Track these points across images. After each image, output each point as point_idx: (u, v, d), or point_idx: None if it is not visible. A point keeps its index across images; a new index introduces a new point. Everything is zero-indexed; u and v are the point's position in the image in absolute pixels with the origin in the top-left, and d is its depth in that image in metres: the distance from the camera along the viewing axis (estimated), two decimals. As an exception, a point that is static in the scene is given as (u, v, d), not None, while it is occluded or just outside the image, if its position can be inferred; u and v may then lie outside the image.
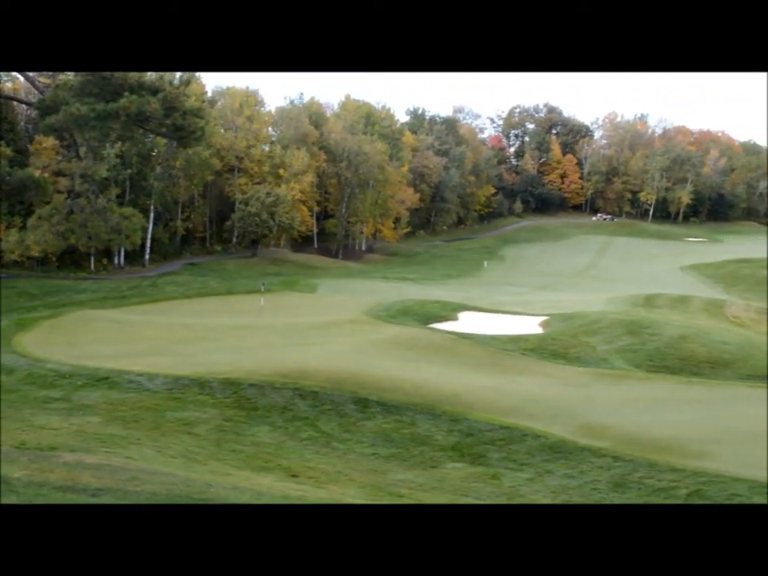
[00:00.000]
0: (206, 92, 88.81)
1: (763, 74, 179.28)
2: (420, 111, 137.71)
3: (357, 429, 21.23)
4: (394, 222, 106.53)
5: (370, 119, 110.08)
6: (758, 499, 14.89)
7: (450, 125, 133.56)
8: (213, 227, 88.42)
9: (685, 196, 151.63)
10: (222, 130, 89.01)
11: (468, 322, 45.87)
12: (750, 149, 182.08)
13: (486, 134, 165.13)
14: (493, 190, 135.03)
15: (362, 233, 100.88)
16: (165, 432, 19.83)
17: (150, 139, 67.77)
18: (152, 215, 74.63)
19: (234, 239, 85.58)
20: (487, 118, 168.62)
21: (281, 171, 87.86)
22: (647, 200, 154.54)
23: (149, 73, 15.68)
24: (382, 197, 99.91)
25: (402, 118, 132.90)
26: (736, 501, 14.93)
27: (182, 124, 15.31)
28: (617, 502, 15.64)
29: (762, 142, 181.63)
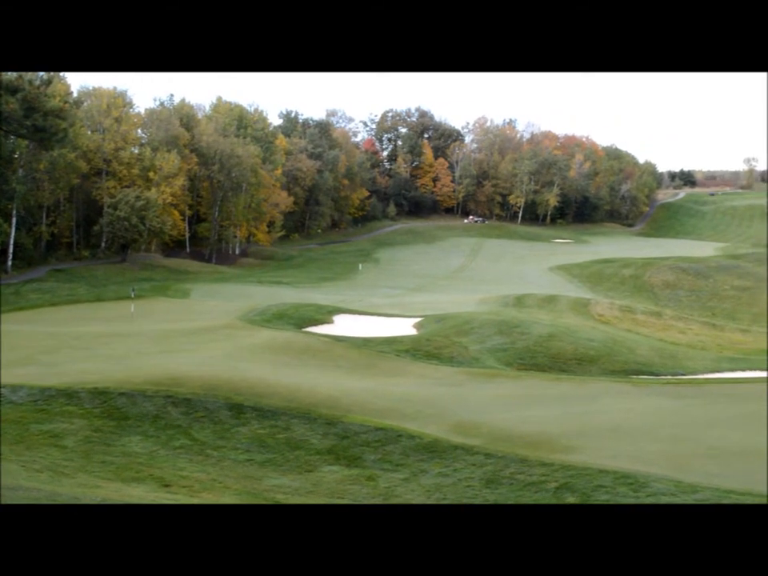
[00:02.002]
0: (71, 92, 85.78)
1: (621, 82, 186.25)
2: (293, 114, 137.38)
3: (231, 435, 20.96)
4: (268, 226, 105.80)
5: (242, 122, 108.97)
6: (622, 489, 15.42)
7: (324, 128, 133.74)
8: (80, 232, 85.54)
9: (552, 199, 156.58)
10: (89, 132, 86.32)
11: (343, 325, 46.03)
12: (613, 153, 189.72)
13: (359, 138, 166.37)
14: (366, 194, 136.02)
15: (235, 237, 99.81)
16: (30, 446, 19.06)
17: (12, 141, 65.22)
18: (14, 220, 71.72)
19: (103, 244, 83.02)
20: (360, 121, 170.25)
21: (151, 174, 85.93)
22: (516, 203, 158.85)
23: (8, 72, 15.10)
24: (256, 200, 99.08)
25: (275, 120, 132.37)
26: (602, 491, 15.44)
27: (43, 125, 14.90)
28: (489, 498, 15.96)
29: (623, 147, 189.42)
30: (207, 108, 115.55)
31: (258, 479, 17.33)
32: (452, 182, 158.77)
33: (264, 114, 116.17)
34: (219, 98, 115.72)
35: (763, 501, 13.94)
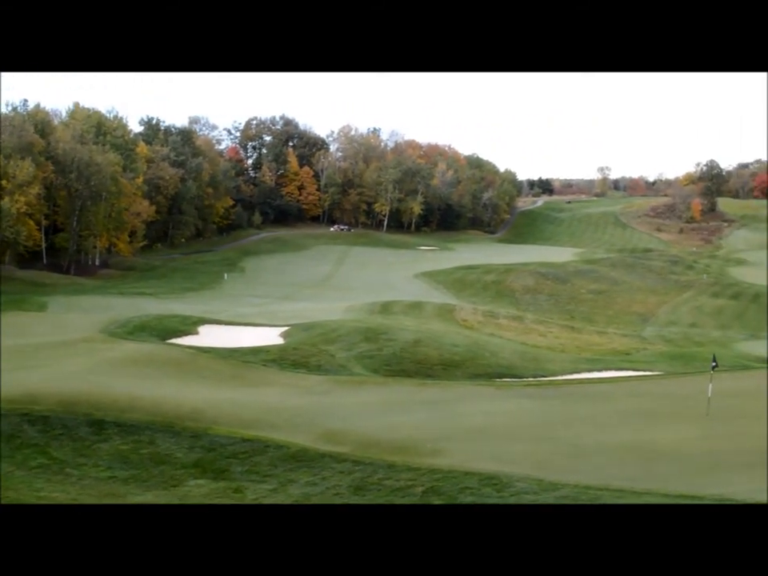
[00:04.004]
0: None
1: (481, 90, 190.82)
2: (154, 121, 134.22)
3: (92, 452, 20.28)
4: (129, 236, 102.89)
5: (101, 129, 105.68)
6: (487, 490, 15.73)
7: (186, 136, 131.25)
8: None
9: (416, 206, 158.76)
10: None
11: (209, 336, 45.33)
12: (474, 162, 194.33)
13: (223, 146, 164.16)
14: (231, 202, 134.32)
15: (95, 247, 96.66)
16: None
17: None
18: None
19: (-48, 256, 79.08)
20: (224, 129, 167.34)
21: (4, 182, 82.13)
22: (381, 211, 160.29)
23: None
24: (116, 209, 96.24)
25: (136, 127, 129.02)
26: (467, 493, 15.72)
27: None
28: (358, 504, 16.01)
29: (484, 156, 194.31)
30: (64, 114, 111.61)
31: (121, 496, 16.81)
32: (317, 190, 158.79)
33: (124, 120, 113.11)
34: (76, 104, 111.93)
35: (621, 496, 14.51)
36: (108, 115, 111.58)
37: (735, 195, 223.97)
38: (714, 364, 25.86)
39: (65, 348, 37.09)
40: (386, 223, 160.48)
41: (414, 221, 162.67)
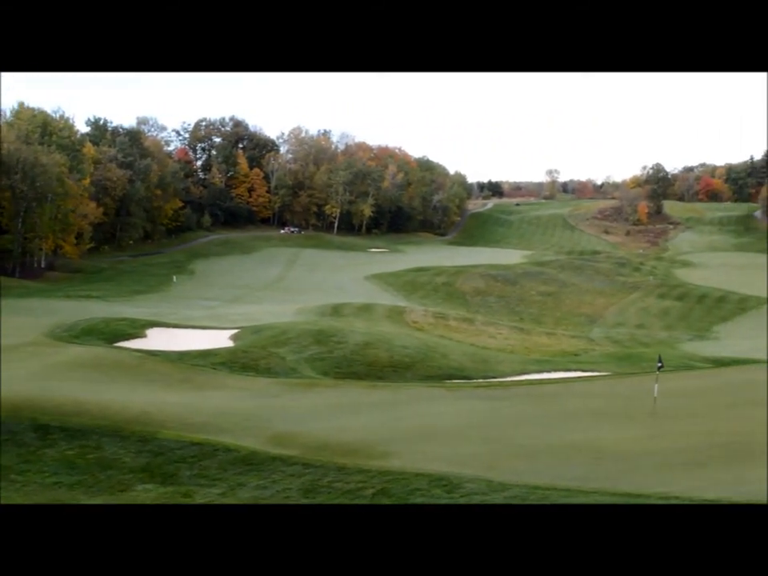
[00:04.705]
0: None
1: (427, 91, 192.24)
2: (102, 122, 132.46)
3: (37, 458, 19.91)
4: (76, 238, 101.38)
5: (46, 129, 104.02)
6: (437, 491, 15.77)
7: (134, 137, 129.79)
8: None
9: (367, 209, 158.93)
10: None
11: (157, 339, 44.86)
12: (425, 165, 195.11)
13: (172, 147, 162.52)
14: (180, 204, 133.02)
15: (41, 249, 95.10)
16: None
17: None
18: None
19: None
20: (173, 130, 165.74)
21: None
22: (332, 213, 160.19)
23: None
24: (62, 211, 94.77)
25: (83, 128, 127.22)
26: (418, 495, 15.75)
27: None
28: (308, 508, 15.95)
29: (434, 159, 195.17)
30: (8, 114, 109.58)
31: (67, 502, 16.54)
32: (268, 192, 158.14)
33: (70, 121, 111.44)
34: (21, 104, 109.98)
35: (569, 495, 14.63)
36: (54, 115, 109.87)
37: (680, 198, 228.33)
38: (659, 364, 26.30)
39: (9, 352, 36.39)
40: (336, 225, 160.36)
41: (364, 223, 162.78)
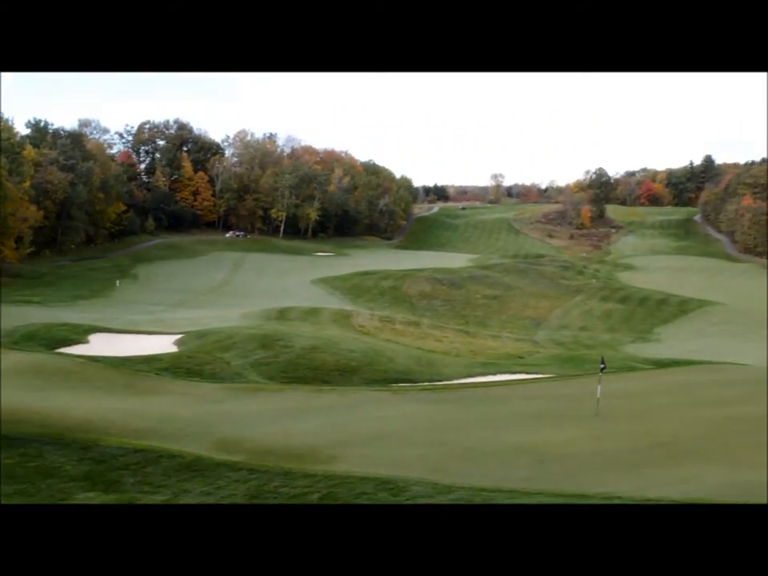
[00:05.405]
0: None
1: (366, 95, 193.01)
2: (42, 124, 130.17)
3: (-25, 467, 19.47)
4: (15, 242, 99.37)
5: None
6: (383, 495, 15.78)
7: (76, 139, 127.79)
8: None
9: (313, 212, 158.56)
10: None
11: (100, 345, 44.22)
12: (371, 168, 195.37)
13: (114, 150, 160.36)
14: (123, 207, 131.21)
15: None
16: None
17: None
18: None
19: None
20: (116, 133, 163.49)
21: None
22: (278, 217, 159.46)
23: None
24: (1, 214, 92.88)
25: (23, 130, 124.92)
26: (364, 498, 15.73)
27: None
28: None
29: (380, 163, 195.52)
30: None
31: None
32: (213, 195, 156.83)
33: (9, 122, 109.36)
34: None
35: (513, 497, 14.75)
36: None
37: (623, 202, 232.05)
38: (602, 366, 26.66)
39: (-54, 359, 35.59)
40: (282, 229, 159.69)
41: (310, 227, 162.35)
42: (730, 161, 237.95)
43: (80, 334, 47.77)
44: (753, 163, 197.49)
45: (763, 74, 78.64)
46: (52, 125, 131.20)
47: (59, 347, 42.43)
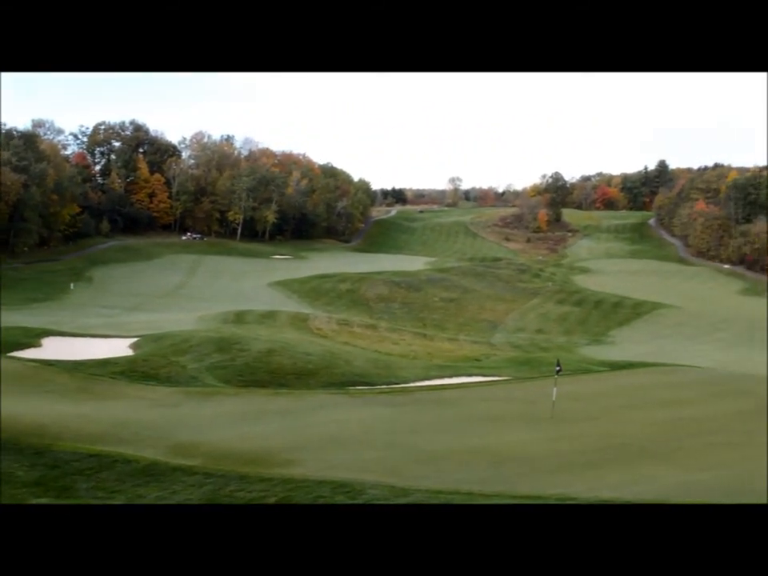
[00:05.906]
0: None
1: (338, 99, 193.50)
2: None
3: (-76, 473, 19.10)
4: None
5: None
6: (340, 498, 15.77)
7: (30, 140, 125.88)
8: None
9: (270, 215, 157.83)
10: None
11: (53, 348, 43.61)
12: (329, 171, 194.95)
13: (69, 151, 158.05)
14: (78, 209, 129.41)
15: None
16: None
17: None
18: None
19: None
20: (70, 133, 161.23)
21: None
22: (235, 219, 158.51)
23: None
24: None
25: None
26: (321, 502, 15.72)
27: None
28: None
29: (338, 165, 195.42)
30: None
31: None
32: (169, 198, 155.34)
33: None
34: None
35: (470, 499, 14.83)
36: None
37: (579, 206, 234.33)
38: (558, 368, 26.91)
39: None
40: (239, 232, 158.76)
41: (268, 230, 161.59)
42: (684, 166, 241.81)
43: (33, 337, 47.10)
44: (706, 168, 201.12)
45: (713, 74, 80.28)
46: (5, 125, 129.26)
47: (11, 351, 41.74)
